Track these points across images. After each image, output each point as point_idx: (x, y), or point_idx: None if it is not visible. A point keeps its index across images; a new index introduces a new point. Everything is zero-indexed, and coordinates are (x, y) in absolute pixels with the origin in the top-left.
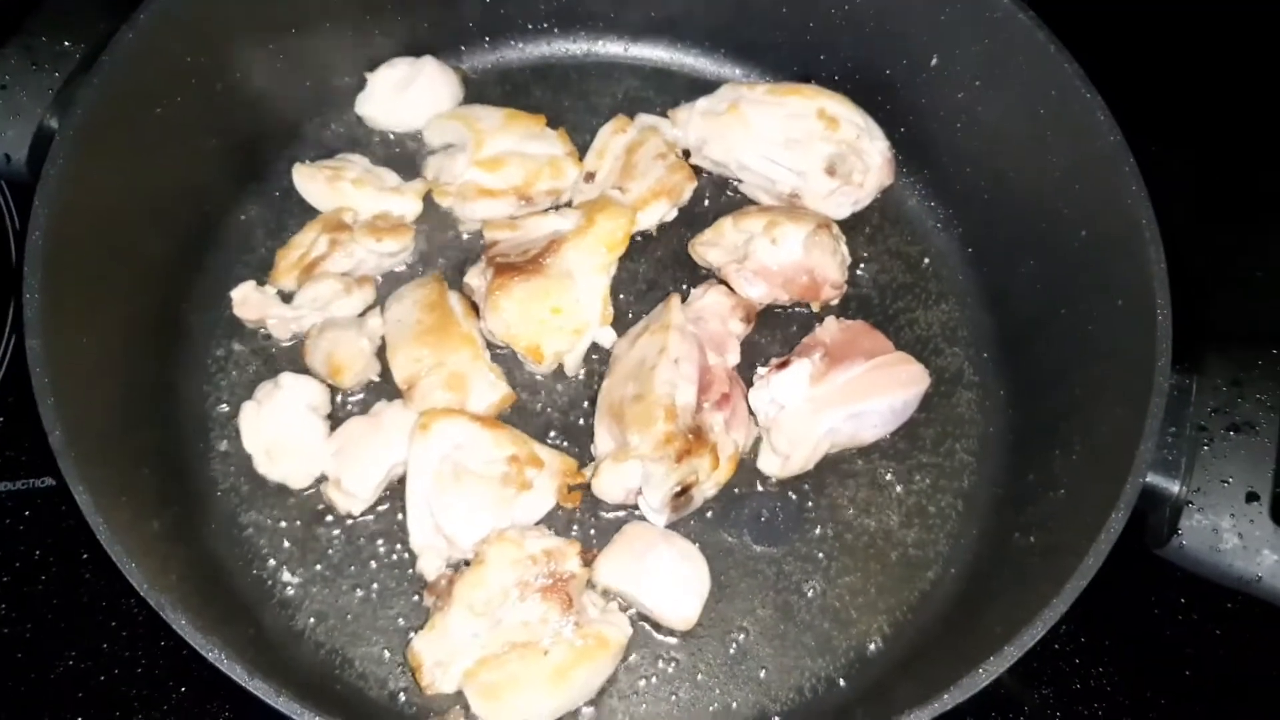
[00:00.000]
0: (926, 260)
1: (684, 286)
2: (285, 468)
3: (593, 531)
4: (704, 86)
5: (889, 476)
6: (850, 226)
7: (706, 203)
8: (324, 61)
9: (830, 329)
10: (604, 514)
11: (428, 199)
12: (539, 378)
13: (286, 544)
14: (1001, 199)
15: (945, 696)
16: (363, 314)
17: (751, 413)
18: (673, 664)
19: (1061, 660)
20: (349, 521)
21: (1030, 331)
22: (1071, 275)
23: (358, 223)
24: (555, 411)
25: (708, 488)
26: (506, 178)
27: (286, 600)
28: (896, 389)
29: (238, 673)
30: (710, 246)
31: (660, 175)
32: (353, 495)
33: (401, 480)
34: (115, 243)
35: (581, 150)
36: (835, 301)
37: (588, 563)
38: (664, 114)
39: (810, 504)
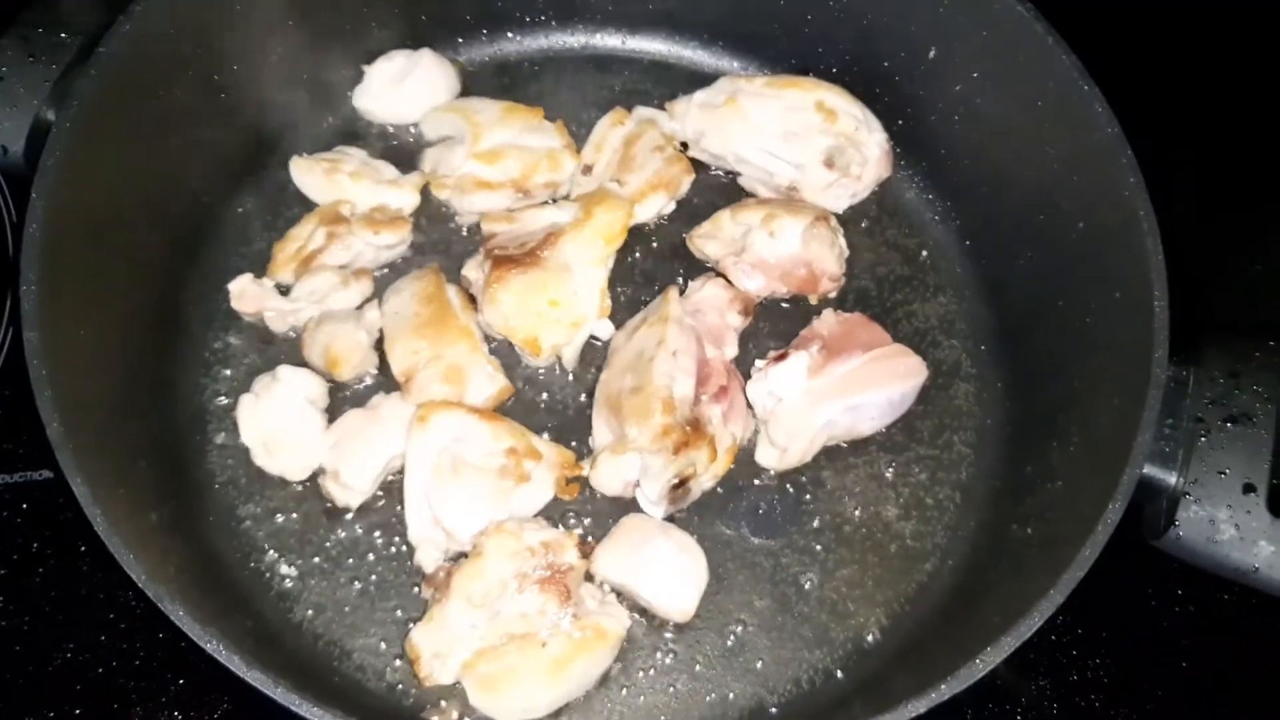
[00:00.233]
0: (924, 253)
1: (682, 279)
2: (283, 460)
3: (590, 522)
4: (702, 79)
5: (887, 469)
6: (848, 219)
7: (704, 196)
8: (321, 54)
9: (828, 321)
10: (602, 506)
11: (425, 191)
12: (537, 370)
13: (284, 536)
14: (999, 191)
15: (942, 687)
16: (360, 306)
17: (749, 405)
18: (670, 655)
19: (1058, 651)
20: (347, 514)
21: (1028, 323)
22: (1069, 267)
23: (355, 215)
24: (553, 404)
25: (705, 480)
26: (504, 170)
27: (285, 592)
28: (894, 381)
29: (236, 663)
30: (708, 239)
31: (658, 168)
32: (351, 488)
33: (400, 473)
34: (112, 235)
35: (579, 143)
36: (833, 294)
37: (586, 555)
38: (662, 107)
39: (808, 496)
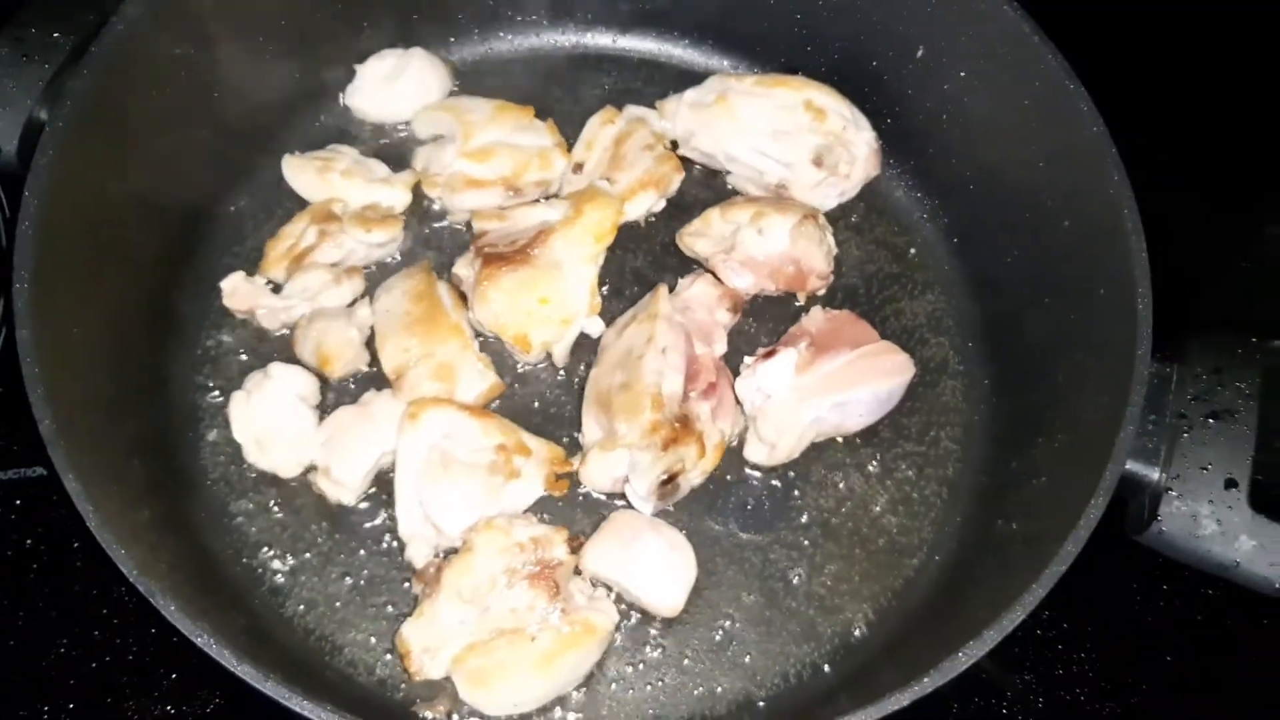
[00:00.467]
0: (912, 250)
1: (671, 276)
2: (275, 457)
3: (579, 517)
4: (692, 78)
5: (874, 465)
6: (837, 217)
7: (694, 194)
8: (313, 53)
9: (816, 319)
10: (591, 502)
11: (416, 190)
12: (527, 367)
13: (276, 532)
14: (986, 189)
15: (926, 680)
16: (352, 304)
17: (738, 402)
18: (659, 650)
19: (1043, 646)
20: (338, 510)
21: (1014, 321)
22: (1055, 265)
23: (347, 213)
24: (543, 401)
25: (694, 476)
26: (495, 169)
27: (276, 588)
28: (882, 378)
29: (227, 658)
30: (698, 237)
31: (648, 166)
32: (342, 484)
33: (391, 469)
34: (105, 233)
35: (570, 141)
36: (821, 291)
37: (575, 550)
38: (652, 105)
39: (796, 492)
